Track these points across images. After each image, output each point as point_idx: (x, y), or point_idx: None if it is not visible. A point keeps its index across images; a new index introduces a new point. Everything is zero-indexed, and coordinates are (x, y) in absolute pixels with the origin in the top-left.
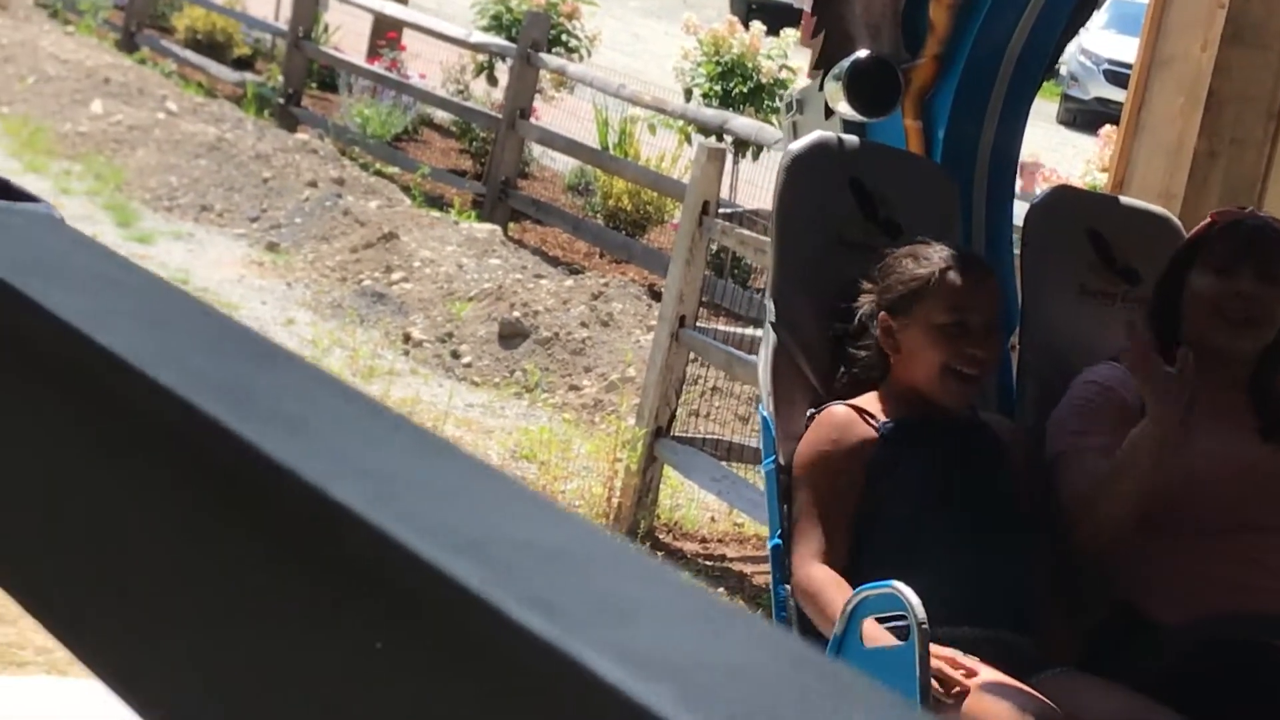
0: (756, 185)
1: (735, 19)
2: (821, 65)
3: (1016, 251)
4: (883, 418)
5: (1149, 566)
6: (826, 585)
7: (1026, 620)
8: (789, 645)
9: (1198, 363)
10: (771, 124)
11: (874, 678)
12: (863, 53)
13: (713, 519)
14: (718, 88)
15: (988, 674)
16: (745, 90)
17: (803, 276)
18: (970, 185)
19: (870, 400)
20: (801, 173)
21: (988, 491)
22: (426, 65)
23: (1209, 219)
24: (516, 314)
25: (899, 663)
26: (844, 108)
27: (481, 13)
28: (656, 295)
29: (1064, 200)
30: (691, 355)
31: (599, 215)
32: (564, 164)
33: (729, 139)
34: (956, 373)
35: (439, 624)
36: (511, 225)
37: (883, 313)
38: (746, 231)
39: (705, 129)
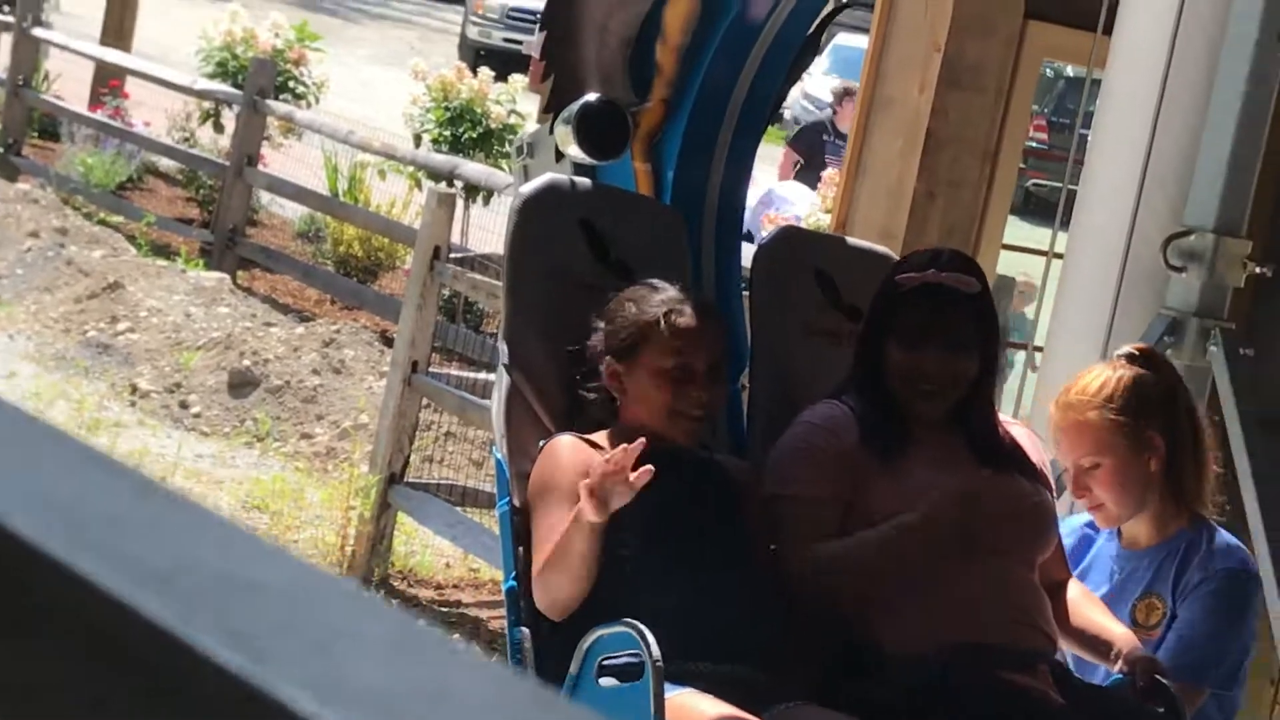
0: (488, 230)
1: (463, 65)
2: (551, 109)
3: (746, 291)
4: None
5: (881, 598)
6: (547, 549)
7: (760, 655)
8: (495, 671)
9: (905, 416)
10: (502, 168)
11: (610, 715)
12: (591, 96)
13: (448, 565)
14: (447, 133)
15: (721, 709)
16: (475, 135)
17: (535, 319)
18: (699, 226)
19: (602, 437)
20: (533, 215)
21: (720, 528)
22: (151, 113)
23: (895, 276)
24: (246, 363)
25: (634, 700)
26: (574, 151)
27: (206, 59)
28: (389, 341)
29: (790, 241)
30: (425, 401)
31: (330, 262)
32: (293, 211)
33: (459, 184)
34: (683, 414)
35: (136, 662)
36: (240, 273)
37: (608, 358)
38: (478, 276)
39: (435, 174)
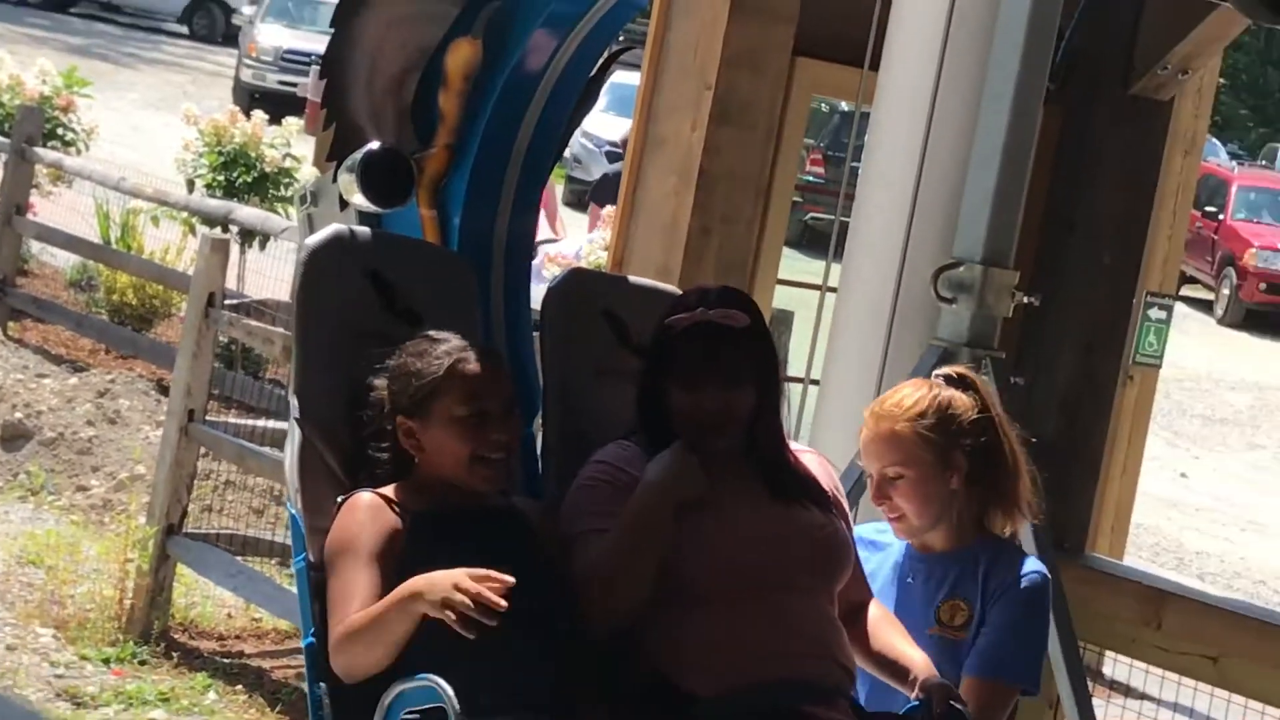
0: (265, 275)
1: (237, 109)
2: (334, 157)
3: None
4: (411, 508)
5: (679, 638)
6: (363, 612)
7: (563, 701)
8: None
9: (692, 447)
10: (278, 212)
11: None
12: (374, 144)
13: (230, 615)
14: (221, 178)
15: None
16: (249, 180)
17: (326, 371)
18: (488, 271)
19: (397, 490)
20: (319, 267)
21: (520, 576)
22: None
23: (667, 319)
24: (19, 415)
25: None
26: (358, 199)
27: None
28: (166, 390)
29: (578, 283)
30: (203, 450)
31: (103, 311)
32: (65, 259)
33: (234, 229)
34: (484, 459)
35: None
36: (11, 324)
37: (399, 417)
38: (255, 322)
39: (210, 220)
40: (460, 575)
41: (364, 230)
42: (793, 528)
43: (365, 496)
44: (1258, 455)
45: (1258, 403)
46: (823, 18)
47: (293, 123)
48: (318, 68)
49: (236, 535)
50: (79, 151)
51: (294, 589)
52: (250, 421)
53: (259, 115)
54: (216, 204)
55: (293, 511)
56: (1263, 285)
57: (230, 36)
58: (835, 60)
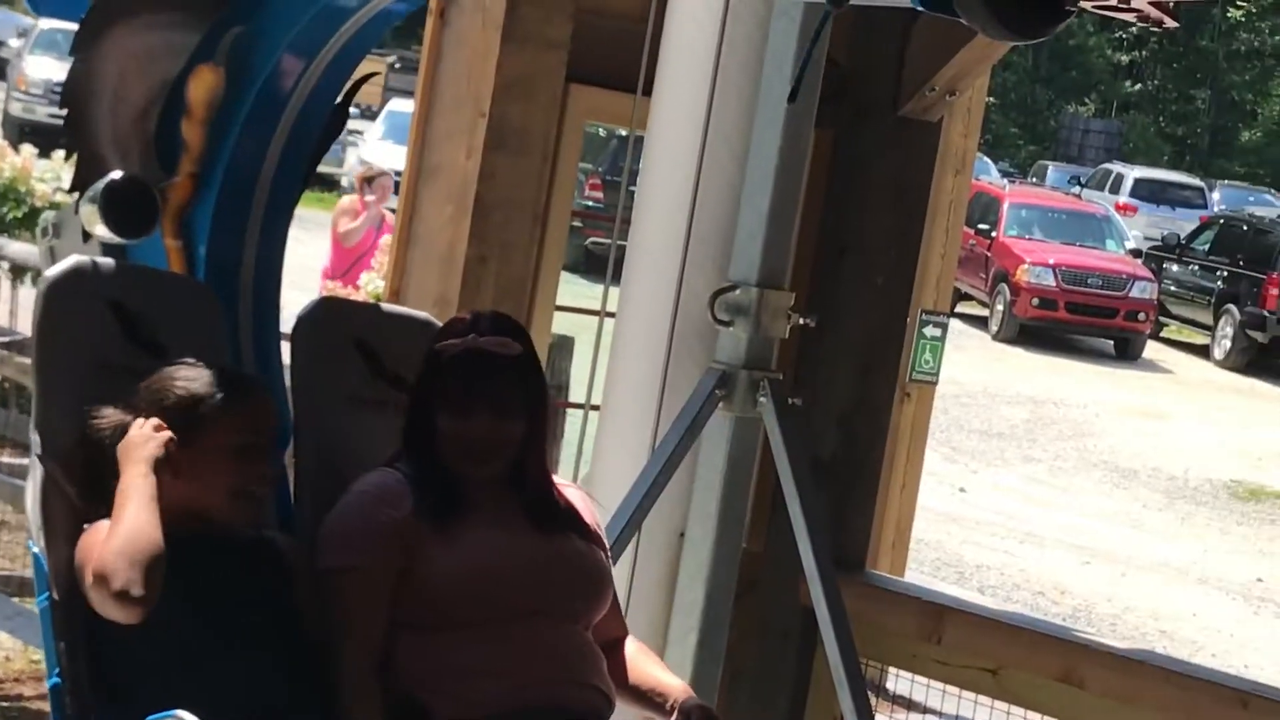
0: None
1: (5, 143)
2: (76, 188)
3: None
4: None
5: (431, 664)
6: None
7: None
8: None
9: (459, 480)
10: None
11: None
12: (116, 174)
13: (8, 658)
14: None
15: None
16: (20, 215)
17: (67, 405)
18: (236, 300)
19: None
20: (58, 299)
21: (268, 607)
22: None
23: (436, 345)
24: None
25: None
26: (101, 230)
27: None
28: None
29: (329, 311)
30: None
31: None
32: None
33: (5, 265)
34: (249, 494)
35: None
36: None
37: None
38: (28, 360)
39: None
40: (137, 434)
41: (106, 261)
42: (553, 556)
43: (105, 524)
44: (1034, 468)
45: (1033, 417)
46: (595, 45)
47: (63, 156)
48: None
49: (13, 576)
50: None
51: None
52: (25, 461)
53: (28, 149)
54: None
55: (35, 550)
56: (1035, 300)
57: None
58: (608, 86)
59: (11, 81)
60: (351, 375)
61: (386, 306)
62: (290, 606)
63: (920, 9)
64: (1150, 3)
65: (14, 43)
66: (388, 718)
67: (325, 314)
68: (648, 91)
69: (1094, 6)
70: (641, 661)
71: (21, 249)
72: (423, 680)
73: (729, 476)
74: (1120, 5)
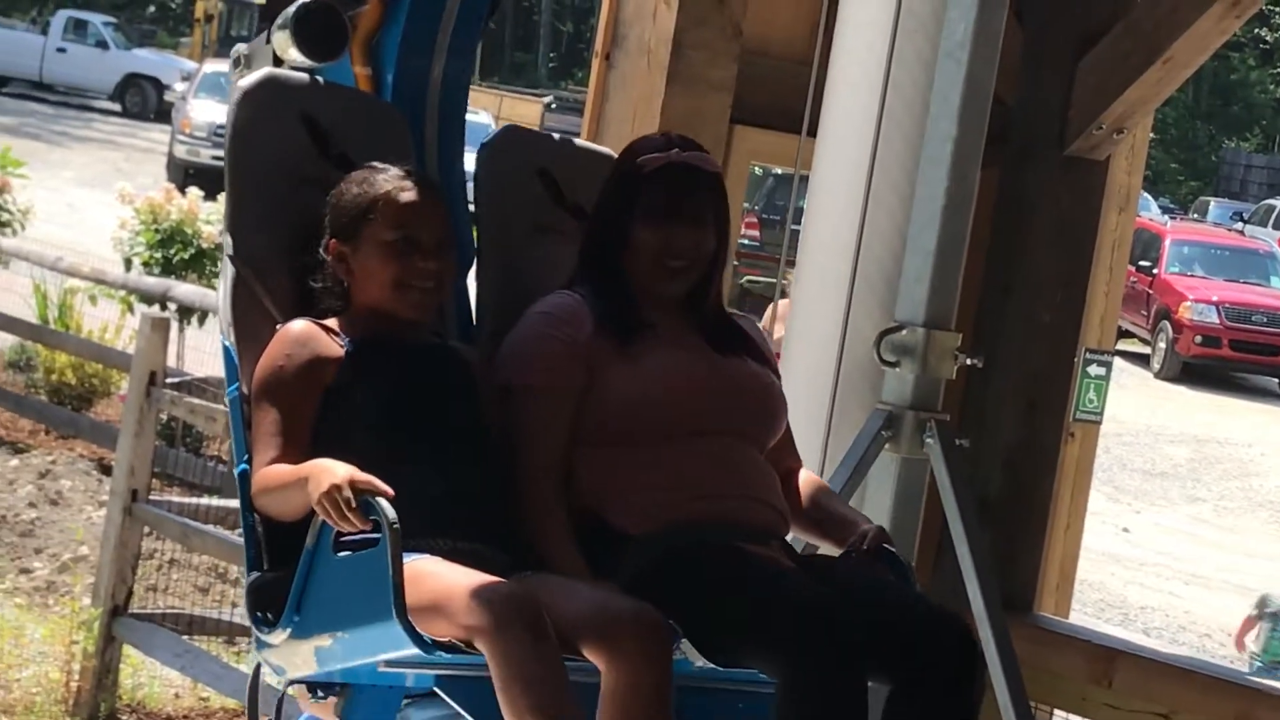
0: (204, 351)
1: (172, 186)
2: (268, 17)
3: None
4: (347, 335)
5: (611, 478)
6: (278, 470)
7: (497, 534)
8: None
9: (640, 300)
10: (215, 289)
11: (348, 585)
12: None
13: (177, 695)
14: (158, 255)
15: (459, 570)
16: (186, 257)
17: (257, 211)
18: (421, 121)
19: (335, 322)
20: (252, 107)
21: (454, 411)
22: None
23: (632, 156)
24: None
25: (371, 566)
26: (293, 54)
27: None
28: (107, 470)
29: (513, 140)
30: (146, 529)
31: (43, 391)
32: (3, 340)
33: (173, 306)
34: (411, 286)
35: None
36: None
37: (333, 240)
38: (196, 400)
39: (148, 297)
40: (345, 476)
41: (299, 74)
42: (730, 376)
43: (298, 324)
44: (1198, 508)
45: (1196, 456)
46: (759, 87)
47: None
48: None
49: (182, 614)
50: (15, 232)
51: (241, 667)
52: (193, 500)
53: (194, 192)
54: (154, 282)
55: (226, 344)
56: (1198, 338)
57: (163, 113)
58: (772, 127)
59: (176, 125)
60: (533, 203)
61: (568, 139)
62: (472, 410)
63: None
64: None
65: (179, 86)
66: (568, 530)
67: (509, 142)
68: (812, 132)
69: None
70: (816, 491)
71: (189, 290)
72: (601, 493)
73: (895, 517)
74: None
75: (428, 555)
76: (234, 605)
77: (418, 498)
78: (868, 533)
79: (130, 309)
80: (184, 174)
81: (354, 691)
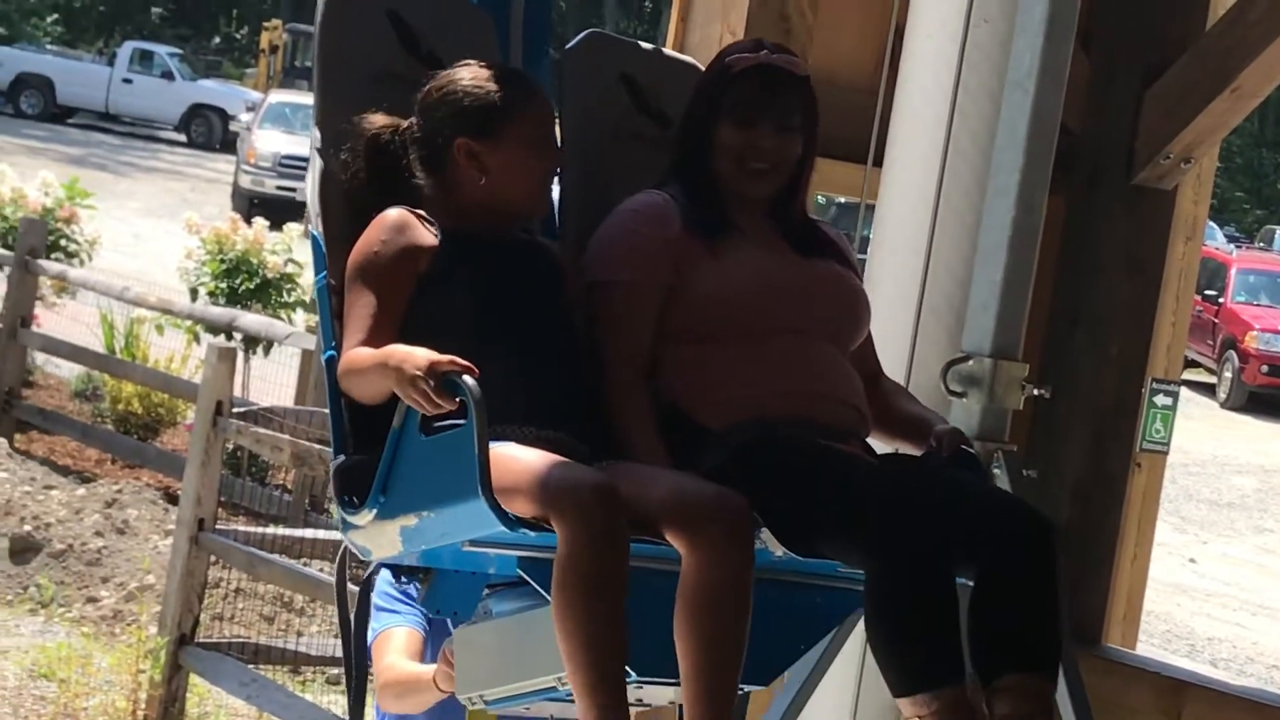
0: (269, 381)
1: (237, 216)
2: None
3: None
4: (442, 225)
5: (695, 374)
6: (365, 353)
7: (579, 425)
8: None
9: (726, 202)
10: (281, 318)
11: (433, 464)
12: None
13: None
14: (224, 285)
15: (544, 454)
16: (252, 286)
17: (344, 105)
18: (506, 23)
19: (429, 210)
20: (343, 4)
21: (542, 305)
22: None
23: (723, 57)
24: (27, 528)
25: (457, 445)
26: None
27: None
28: (173, 499)
29: (597, 45)
30: (212, 558)
31: (109, 421)
32: (69, 370)
33: (239, 336)
34: (544, 180)
35: None
36: (17, 436)
37: (461, 139)
38: (262, 430)
39: (214, 327)
40: (426, 360)
41: None
42: (814, 278)
43: (394, 211)
44: (1265, 539)
45: (1263, 486)
46: (824, 116)
47: (294, 228)
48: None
49: (249, 643)
50: (82, 262)
51: (307, 696)
52: (259, 529)
53: (260, 222)
54: (220, 311)
55: (315, 234)
56: (1264, 368)
57: (228, 143)
58: (838, 157)
59: (241, 155)
60: (616, 108)
61: (653, 47)
62: (559, 304)
63: None
64: None
65: (244, 116)
66: (651, 419)
67: (593, 47)
68: (878, 162)
69: None
70: (898, 396)
71: (255, 320)
72: (685, 389)
73: None
74: None
75: (512, 442)
76: (299, 635)
77: (503, 387)
78: (945, 434)
79: (196, 339)
80: (249, 204)
81: (437, 577)
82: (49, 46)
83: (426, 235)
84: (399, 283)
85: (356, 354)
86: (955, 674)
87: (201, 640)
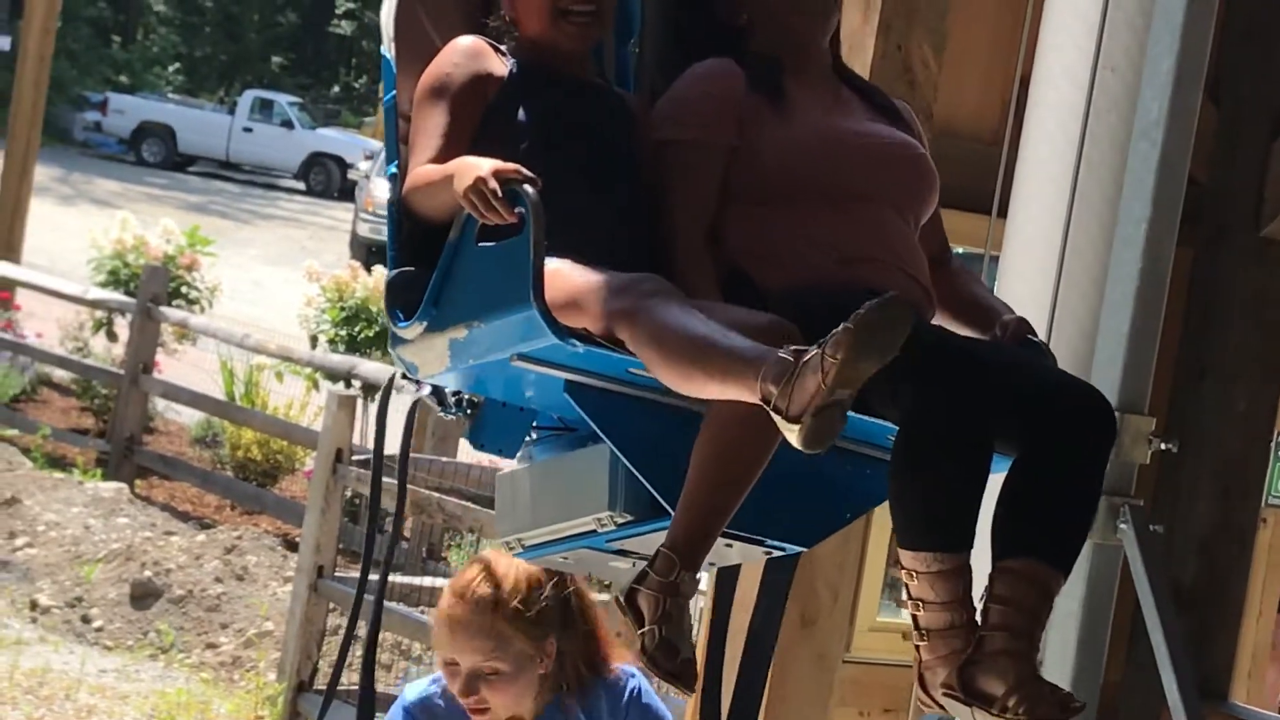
0: (387, 429)
1: (357, 263)
2: None
3: None
4: (514, 56)
5: (758, 236)
6: (430, 168)
7: (640, 264)
8: None
9: (785, 58)
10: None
11: (489, 274)
12: None
13: None
14: (344, 333)
15: (598, 270)
16: (371, 334)
17: None
18: None
19: (504, 42)
20: None
21: (610, 144)
22: (42, 323)
23: None
24: (148, 573)
25: (513, 254)
26: None
27: (98, 268)
28: (292, 545)
29: None
30: (331, 605)
31: (228, 467)
32: (190, 416)
33: (358, 383)
34: (568, 12)
35: None
36: (139, 482)
37: None
38: (384, 479)
39: (333, 374)
40: (490, 168)
41: None
42: (886, 144)
43: (468, 38)
44: None
45: None
46: (947, 167)
47: None
48: None
49: (354, 689)
50: (203, 309)
51: None
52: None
53: (379, 270)
54: (340, 359)
55: (386, 55)
56: None
57: (346, 191)
58: (960, 208)
59: (360, 203)
60: None
61: None
62: (628, 146)
63: None
64: None
65: (362, 165)
66: (712, 272)
67: None
68: (1002, 213)
69: None
70: (966, 279)
71: (374, 368)
72: (750, 251)
73: (1089, 605)
74: None
75: (566, 259)
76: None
77: (565, 217)
78: (1012, 322)
79: (315, 386)
80: (367, 252)
81: (483, 412)
82: (171, 95)
83: (498, 65)
84: (469, 107)
85: (422, 170)
86: (964, 542)
87: (321, 688)
